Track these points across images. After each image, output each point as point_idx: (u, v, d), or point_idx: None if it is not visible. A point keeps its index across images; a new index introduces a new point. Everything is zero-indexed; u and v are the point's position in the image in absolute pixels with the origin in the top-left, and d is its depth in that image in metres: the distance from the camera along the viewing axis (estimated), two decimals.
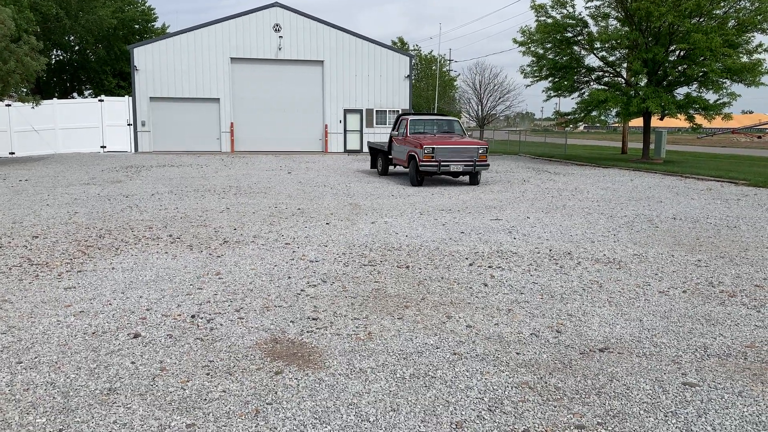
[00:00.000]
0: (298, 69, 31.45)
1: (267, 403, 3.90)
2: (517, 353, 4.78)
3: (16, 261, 7.64)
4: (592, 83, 27.00)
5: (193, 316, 5.54)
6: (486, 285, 6.71)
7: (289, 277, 6.95)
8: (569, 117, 27.89)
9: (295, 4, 31.70)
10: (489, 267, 7.52)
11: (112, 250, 8.29)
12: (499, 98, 44.48)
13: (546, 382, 4.27)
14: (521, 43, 26.38)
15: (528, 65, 27.27)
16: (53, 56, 40.96)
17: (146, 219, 10.82)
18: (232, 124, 30.79)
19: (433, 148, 16.33)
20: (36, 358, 4.59)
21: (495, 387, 4.18)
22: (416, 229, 10.01)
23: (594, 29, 25.90)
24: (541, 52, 26.36)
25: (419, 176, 16.77)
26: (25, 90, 24.95)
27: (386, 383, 4.21)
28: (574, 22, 25.45)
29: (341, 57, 31.69)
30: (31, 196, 13.79)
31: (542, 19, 25.83)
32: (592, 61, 26.90)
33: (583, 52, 26.33)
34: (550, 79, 26.80)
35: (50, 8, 35.35)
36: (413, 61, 35.41)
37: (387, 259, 7.86)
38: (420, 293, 6.36)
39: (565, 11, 25.47)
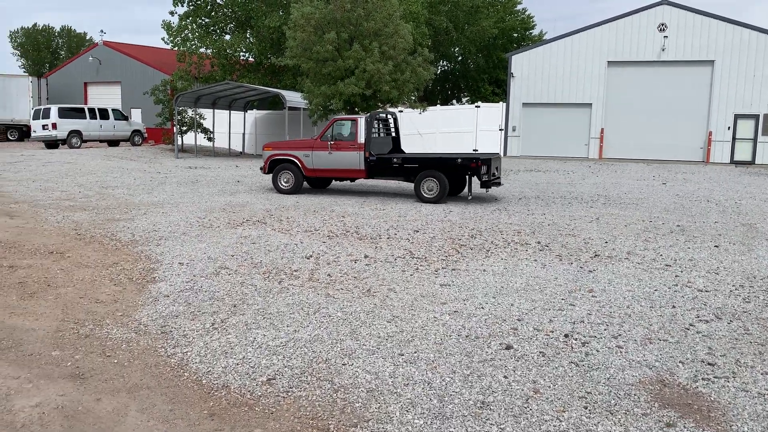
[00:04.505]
0: (681, 70, 28.62)
1: None
2: None
3: (400, 252, 8.32)
4: None
5: (566, 336, 5.14)
6: None
7: (674, 307, 6.03)
8: None
9: (683, 0, 28.66)
10: None
11: (483, 252, 8.43)
12: None
13: None
14: None
15: None
16: (439, 66, 45.23)
17: (514, 223, 10.85)
18: (602, 130, 29.65)
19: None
20: (415, 353, 4.75)
21: None
22: None
23: None
24: None
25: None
26: (414, 97, 27.95)
27: None
28: None
29: (736, 55, 27.74)
30: (411, 194, 15.18)
31: None
32: None
33: None
34: None
35: (441, 23, 39.01)
36: None
37: None
38: None
39: None
